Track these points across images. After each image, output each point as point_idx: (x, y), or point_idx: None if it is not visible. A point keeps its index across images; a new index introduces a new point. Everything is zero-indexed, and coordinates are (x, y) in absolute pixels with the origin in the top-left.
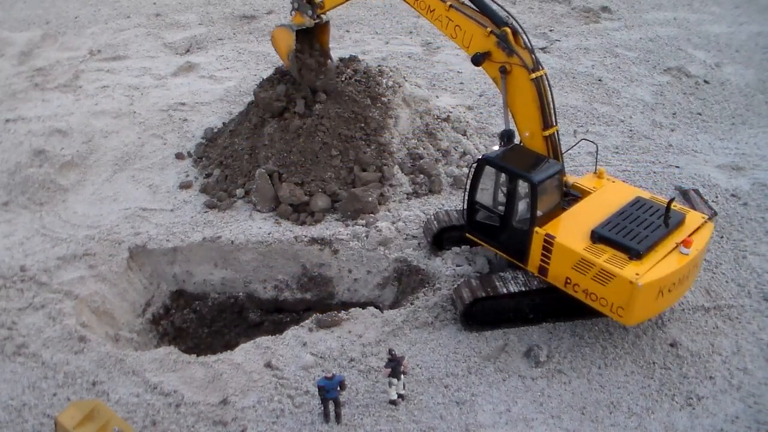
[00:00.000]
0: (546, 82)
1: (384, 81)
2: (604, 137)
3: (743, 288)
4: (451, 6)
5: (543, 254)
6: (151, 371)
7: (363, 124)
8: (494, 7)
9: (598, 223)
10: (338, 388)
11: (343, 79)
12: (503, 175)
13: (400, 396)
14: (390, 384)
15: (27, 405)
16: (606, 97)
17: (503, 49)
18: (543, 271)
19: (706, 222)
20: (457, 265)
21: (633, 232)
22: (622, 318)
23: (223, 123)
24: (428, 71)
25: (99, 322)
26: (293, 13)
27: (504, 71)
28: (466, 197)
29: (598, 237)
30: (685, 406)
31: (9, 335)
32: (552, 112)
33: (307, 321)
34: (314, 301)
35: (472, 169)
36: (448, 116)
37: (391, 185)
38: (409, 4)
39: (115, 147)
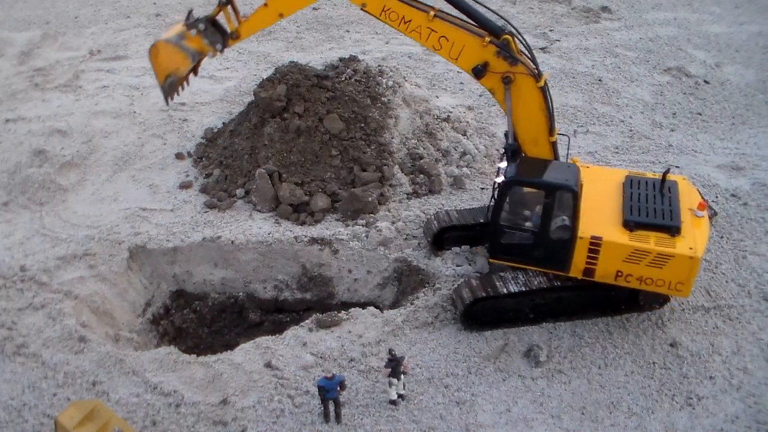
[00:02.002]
0: (547, 87)
1: (384, 81)
2: (604, 137)
3: (743, 288)
4: (435, 15)
5: (589, 256)
6: (151, 371)
7: (363, 124)
8: (483, 11)
9: (620, 212)
10: (338, 388)
11: (343, 79)
12: (526, 191)
13: (400, 396)
14: (390, 384)
15: (27, 405)
16: (606, 97)
17: (505, 58)
18: (589, 272)
19: (686, 181)
20: (457, 265)
21: (657, 210)
22: (680, 292)
23: (223, 123)
24: (428, 71)
25: (99, 322)
26: (192, 32)
27: (508, 81)
28: (490, 223)
29: (634, 224)
30: (685, 406)
31: (9, 335)
32: (553, 116)
33: (307, 321)
34: (314, 301)
35: (495, 193)
36: (448, 116)
37: (391, 185)
38: (373, 16)
39: (115, 147)
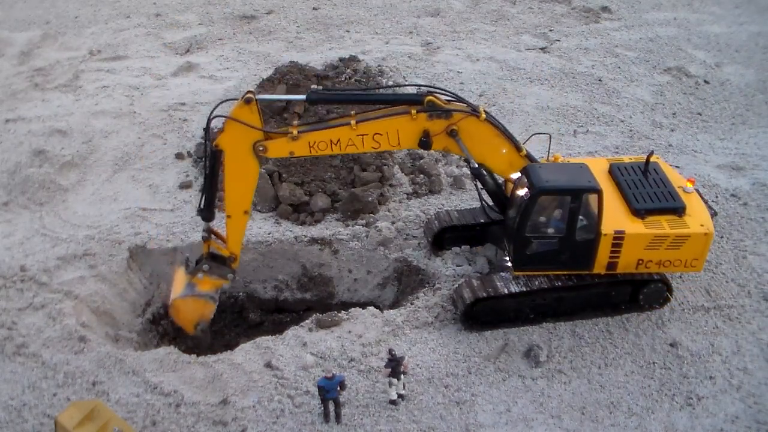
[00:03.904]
0: (489, 113)
1: (384, 81)
2: (604, 137)
3: (743, 288)
4: (358, 121)
5: (613, 251)
6: (151, 371)
7: None
8: (400, 90)
9: (622, 201)
10: (338, 388)
11: (343, 79)
12: (547, 198)
13: (400, 396)
14: (390, 384)
15: (27, 405)
16: (606, 97)
17: (439, 116)
18: (612, 266)
19: (661, 159)
20: (457, 265)
21: (658, 194)
22: (695, 267)
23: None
24: (428, 71)
25: (99, 322)
26: (200, 276)
27: (454, 133)
28: (514, 236)
29: (644, 212)
30: (685, 406)
31: (9, 335)
32: (510, 133)
33: (307, 321)
34: (314, 301)
35: (523, 206)
36: None
37: (391, 185)
38: (304, 156)
39: (115, 147)
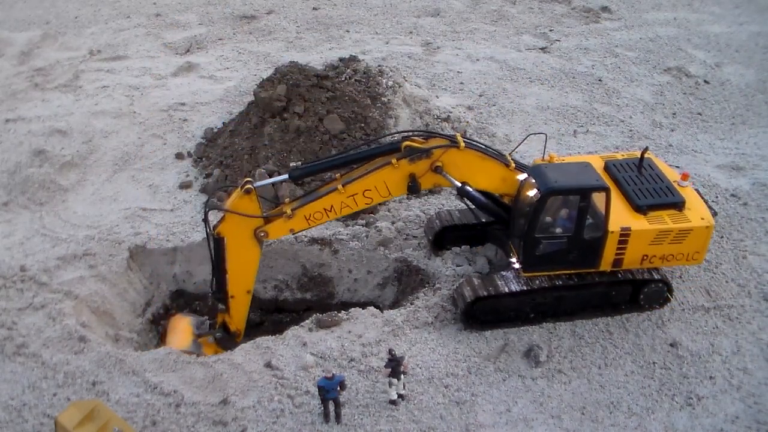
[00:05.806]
0: (468, 138)
1: (384, 81)
2: (604, 137)
3: (743, 288)
4: (344, 184)
5: (619, 248)
6: (151, 371)
7: (363, 124)
8: (384, 139)
9: (622, 198)
10: (338, 388)
11: (343, 78)
12: (555, 198)
13: (400, 396)
14: (390, 384)
15: (27, 405)
16: (606, 97)
17: (420, 158)
18: (618, 263)
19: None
20: (457, 265)
21: (657, 189)
22: (696, 260)
23: (223, 123)
24: (428, 71)
25: (99, 322)
26: (210, 340)
27: (440, 169)
28: (524, 238)
29: (646, 207)
30: (685, 406)
31: (9, 335)
32: (493, 149)
33: (307, 321)
34: (314, 301)
35: (532, 207)
36: (448, 116)
37: None
38: (304, 230)
39: (115, 147)
